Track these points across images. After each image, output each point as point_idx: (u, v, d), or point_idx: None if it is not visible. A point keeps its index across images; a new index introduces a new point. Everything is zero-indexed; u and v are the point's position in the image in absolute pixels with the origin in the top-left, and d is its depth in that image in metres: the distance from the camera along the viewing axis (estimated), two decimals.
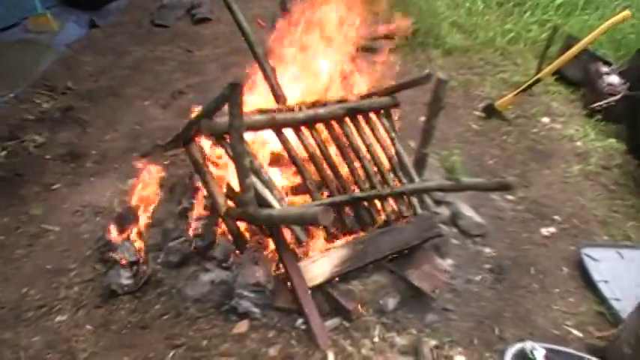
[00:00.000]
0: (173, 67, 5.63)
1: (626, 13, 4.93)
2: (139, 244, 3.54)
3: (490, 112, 5.27)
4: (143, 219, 3.68)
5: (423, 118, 4.92)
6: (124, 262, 3.42)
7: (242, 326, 3.08)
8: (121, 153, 4.60)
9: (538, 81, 5.17)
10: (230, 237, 3.32)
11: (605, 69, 5.57)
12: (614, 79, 5.44)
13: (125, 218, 3.70)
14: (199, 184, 3.45)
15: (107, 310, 3.26)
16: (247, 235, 3.32)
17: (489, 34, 6.36)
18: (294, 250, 3.12)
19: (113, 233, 3.59)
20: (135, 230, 3.61)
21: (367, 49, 5.96)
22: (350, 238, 3.25)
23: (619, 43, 6.39)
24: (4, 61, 5.71)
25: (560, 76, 5.87)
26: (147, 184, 3.88)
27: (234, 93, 2.64)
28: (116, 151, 4.63)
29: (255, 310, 3.10)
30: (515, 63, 6.15)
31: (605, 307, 3.48)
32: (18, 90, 5.28)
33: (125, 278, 3.38)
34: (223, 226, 3.34)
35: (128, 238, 3.57)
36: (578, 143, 5.08)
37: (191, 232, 3.44)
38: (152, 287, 3.36)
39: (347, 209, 3.31)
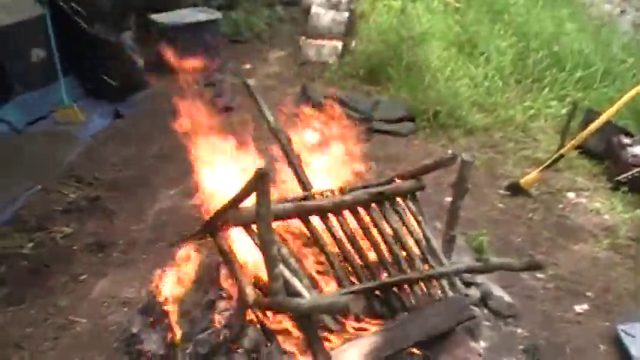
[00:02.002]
0: None
1: None
2: (165, 335, 3.54)
3: (515, 190, 5.28)
4: (170, 310, 3.69)
5: (448, 199, 4.99)
6: (148, 355, 3.41)
7: None
8: (147, 243, 4.64)
9: (561, 157, 5.20)
10: (259, 327, 3.32)
11: (627, 140, 5.59)
12: (638, 150, 5.46)
13: (151, 309, 3.71)
14: (227, 273, 3.46)
15: None
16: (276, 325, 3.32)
17: (509, 112, 6.44)
18: (324, 340, 3.10)
19: (139, 325, 3.60)
20: (162, 322, 3.62)
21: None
22: (379, 325, 3.23)
23: (639, 113, 6.42)
24: (32, 152, 5.84)
25: (582, 150, 5.89)
26: (174, 274, 3.92)
27: (261, 181, 2.69)
28: (143, 241, 4.67)
29: None
30: (536, 139, 6.20)
31: None
32: (45, 181, 5.37)
33: None
34: (252, 316, 3.35)
35: (155, 330, 3.58)
36: (606, 216, 5.06)
37: (218, 323, 3.44)
38: None
39: (377, 296, 3.30)
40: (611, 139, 5.66)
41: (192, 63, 7.63)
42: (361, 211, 3.42)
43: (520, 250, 4.58)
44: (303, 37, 8.12)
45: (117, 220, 4.98)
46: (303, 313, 3.00)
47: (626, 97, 5.07)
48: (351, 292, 3.07)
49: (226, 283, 3.56)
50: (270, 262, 2.89)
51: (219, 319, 3.44)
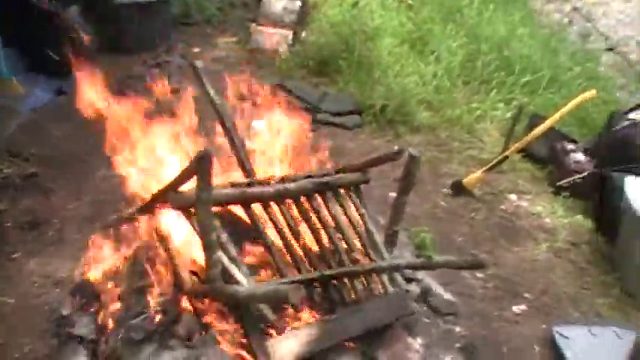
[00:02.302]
0: None
1: (592, 92, 5.05)
2: (97, 319, 3.40)
3: (458, 189, 5.29)
4: (103, 293, 3.55)
5: (392, 194, 4.95)
6: (78, 338, 3.28)
7: None
8: (84, 222, 4.46)
9: (505, 159, 5.23)
10: (194, 314, 3.22)
11: (570, 146, 5.67)
12: (580, 156, 5.53)
13: (84, 291, 3.57)
14: (163, 258, 3.34)
15: None
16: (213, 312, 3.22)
17: (456, 112, 6.44)
18: (261, 329, 3.01)
19: (69, 307, 3.45)
20: (94, 305, 3.48)
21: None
22: (319, 317, 3.16)
23: (583, 120, 6.53)
24: None
25: (526, 153, 5.95)
26: (109, 256, 3.78)
27: (203, 164, 2.58)
28: (79, 220, 4.49)
29: None
30: (481, 140, 6.22)
31: None
32: None
33: (82, 355, 3.23)
34: (188, 303, 3.24)
35: (86, 313, 3.44)
36: (547, 220, 5.10)
37: (153, 309, 3.32)
38: None
39: (316, 287, 3.22)
40: (554, 145, 5.73)
41: (140, 43, 7.47)
42: (304, 201, 3.35)
43: (462, 249, 4.58)
44: (254, 24, 7.98)
45: (53, 197, 4.78)
46: (240, 301, 2.92)
47: (570, 105, 5.14)
48: (290, 282, 2.99)
49: (163, 267, 3.46)
50: (209, 247, 2.79)
51: (153, 305, 3.33)
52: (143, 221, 3.45)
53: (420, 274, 3.91)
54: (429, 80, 6.67)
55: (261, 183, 3.26)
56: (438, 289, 3.88)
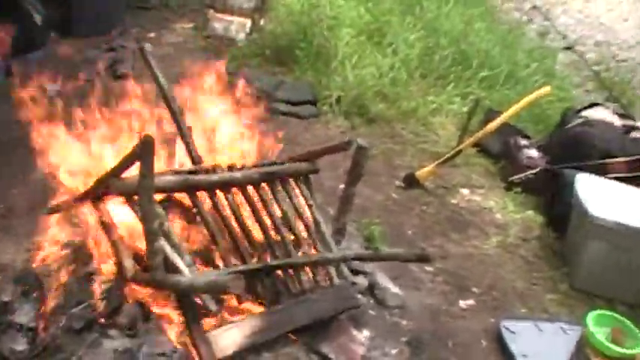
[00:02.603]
0: None
1: (547, 89, 5.07)
2: (39, 307, 3.31)
3: (410, 182, 5.26)
4: (45, 280, 3.45)
5: (343, 186, 4.93)
6: (18, 326, 3.18)
7: None
8: (28, 208, 4.30)
9: (459, 152, 5.21)
10: (137, 303, 3.15)
11: (524, 142, 5.68)
12: (534, 152, 5.54)
13: (26, 278, 3.47)
14: (107, 245, 3.26)
15: None
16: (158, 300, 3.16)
17: (412, 105, 6.41)
18: (203, 319, 2.96)
19: (10, 294, 3.35)
20: (36, 292, 3.38)
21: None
22: (263, 308, 3.12)
23: (538, 117, 6.54)
24: None
25: (481, 148, 5.96)
26: (52, 243, 3.68)
27: (146, 149, 2.52)
28: (23, 206, 4.34)
29: None
30: (436, 134, 6.20)
31: None
32: None
33: (21, 344, 3.13)
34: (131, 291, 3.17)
35: (28, 301, 3.34)
36: (498, 215, 5.11)
37: (95, 297, 3.24)
38: (50, 354, 3.10)
39: (260, 278, 3.18)
40: (508, 140, 5.74)
41: (94, 26, 7.31)
42: (251, 190, 3.30)
43: (412, 242, 4.55)
44: (212, 11, 7.86)
45: None
46: (180, 291, 2.86)
47: (524, 101, 5.13)
48: (232, 272, 2.93)
49: (106, 255, 3.37)
50: (150, 236, 2.73)
51: (96, 293, 3.25)
52: (88, 207, 3.36)
53: (368, 267, 3.89)
54: (386, 72, 6.62)
55: (206, 171, 3.20)
56: (385, 282, 3.85)
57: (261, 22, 7.58)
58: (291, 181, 3.46)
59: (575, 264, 4.48)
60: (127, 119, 3.77)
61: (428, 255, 3.26)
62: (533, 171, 5.36)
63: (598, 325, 3.73)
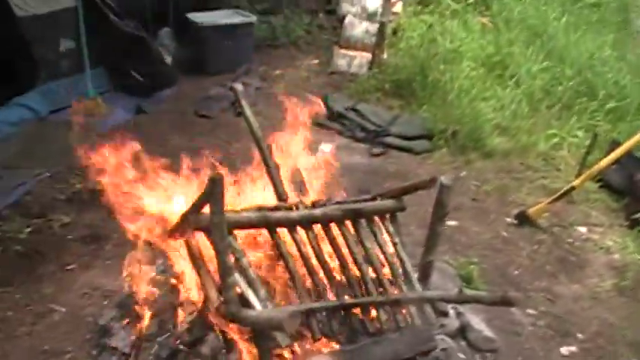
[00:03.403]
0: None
1: None
2: (135, 333, 3.50)
3: (522, 219, 5.07)
4: (142, 308, 3.64)
5: (450, 223, 4.84)
6: (113, 350, 3.38)
7: None
8: (142, 239, 4.59)
9: (573, 189, 4.96)
10: (219, 334, 3.25)
11: None
12: None
13: (125, 305, 3.68)
14: (195, 277, 3.39)
15: None
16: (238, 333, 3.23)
17: (532, 139, 6.22)
18: (277, 355, 3.01)
19: (108, 318, 3.57)
20: (132, 319, 3.58)
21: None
22: (338, 346, 3.11)
23: None
24: (49, 140, 5.88)
25: (603, 184, 5.66)
26: (151, 272, 3.89)
27: (214, 188, 2.61)
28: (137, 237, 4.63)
29: None
30: (557, 169, 5.97)
31: None
32: (55, 170, 5.40)
33: None
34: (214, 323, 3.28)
35: (125, 326, 3.54)
36: (616, 256, 4.82)
37: (181, 326, 3.38)
38: None
39: (338, 316, 3.17)
40: (633, 175, 5.40)
41: (222, 65, 7.68)
42: (334, 227, 3.31)
43: (516, 283, 4.39)
44: (336, 47, 8.04)
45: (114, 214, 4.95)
46: (248, 325, 2.92)
47: None
48: (304, 310, 2.97)
49: (194, 287, 3.51)
50: (224, 270, 2.80)
51: (182, 323, 3.39)
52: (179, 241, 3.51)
53: (462, 308, 3.79)
54: (507, 105, 6.48)
55: (288, 208, 3.26)
56: (478, 324, 3.72)
57: (383, 56, 7.64)
58: (377, 218, 3.43)
59: None
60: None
61: (512, 298, 3.10)
62: None
63: None
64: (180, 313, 3.47)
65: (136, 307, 3.61)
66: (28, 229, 4.59)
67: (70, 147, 5.77)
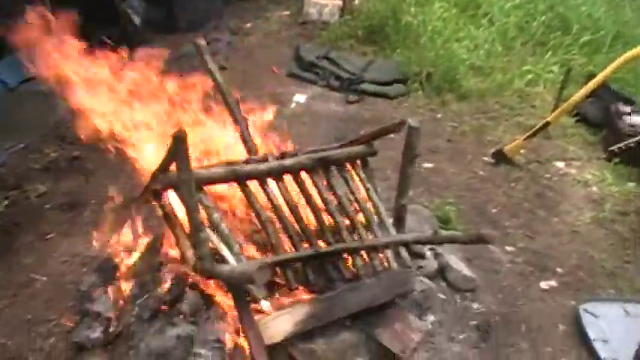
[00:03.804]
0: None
1: (639, 49, 4.63)
2: (115, 297, 3.48)
3: (499, 157, 5.05)
4: (122, 272, 3.62)
5: (427, 165, 4.82)
6: (95, 315, 3.36)
7: None
8: (119, 203, 4.54)
9: (547, 124, 4.92)
10: (199, 292, 3.24)
11: (626, 109, 5.31)
12: (636, 119, 5.17)
13: (106, 270, 3.66)
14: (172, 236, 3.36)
15: None
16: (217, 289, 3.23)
17: (507, 77, 6.17)
18: (254, 307, 3.00)
19: (89, 284, 3.55)
20: (113, 283, 3.56)
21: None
22: (315, 294, 3.10)
23: None
24: (19, 112, 5.78)
25: (580, 117, 5.63)
26: (129, 236, 3.86)
27: (179, 146, 2.56)
28: (114, 202, 4.57)
29: None
30: (533, 106, 5.93)
31: None
32: (28, 140, 5.32)
33: (97, 332, 3.31)
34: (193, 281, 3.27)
35: (105, 291, 3.53)
36: (594, 189, 4.82)
37: (161, 287, 3.36)
38: (124, 341, 3.26)
39: (313, 265, 3.16)
40: (609, 107, 5.37)
41: (192, 22, 7.53)
42: (306, 177, 3.28)
43: (495, 222, 4.39)
44: None
45: (93, 179, 4.89)
46: (224, 280, 2.91)
47: (617, 62, 4.71)
48: (278, 261, 2.96)
49: (172, 246, 3.49)
50: (195, 227, 2.77)
51: (162, 283, 3.38)
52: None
53: (440, 249, 3.79)
54: (481, 44, 6.40)
55: (258, 160, 3.21)
56: (456, 264, 3.73)
57: (354, 2, 7.52)
58: (348, 165, 3.40)
59: None
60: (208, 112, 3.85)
61: (487, 236, 3.09)
62: (635, 139, 4.98)
63: None
64: (160, 273, 3.47)
65: (116, 271, 3.61)
66: (5, 202, 4.54)
67: (43, 117, 5.73)
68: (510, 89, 6.14)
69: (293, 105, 5.80)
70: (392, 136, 3.48)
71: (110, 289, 3.52)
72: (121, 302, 3.44)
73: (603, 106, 5.47)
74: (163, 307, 3.30)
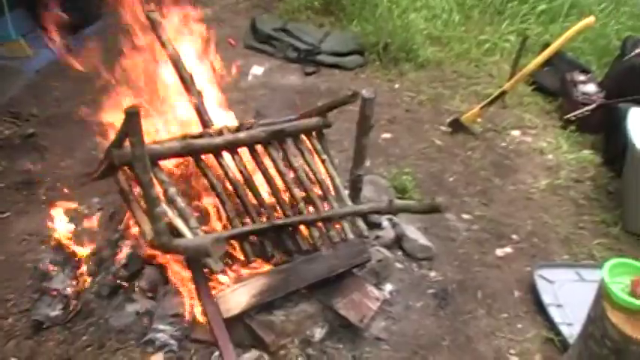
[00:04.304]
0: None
1: (591, 19, 4.69)
2: (74, 275, 3.47)
3: (456, 126, 5.08)
4: (79, 249, 3.60)
5: (385, 135, 4.84)
6: (54, 293, 3.35)
7: (157, 359, 2.98)
8: (74, 180, 4.49)
9: (504, 93, 4.97)
10: (156, 267, 3.25)
11: (582, 77, 5.36)
12: (591, 87, 5.22)
13: (63, 247, 3.63)
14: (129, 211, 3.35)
15: (36, 342, 3.19)
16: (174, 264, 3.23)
17: (464, 46, 6.20)
18: (211, 280, 3.02)
19: (47, 262, 3.52)
20: (71, 260, 3.54)
21: None
22: (272, 266, 3.13)
23: (604, 50, 6.15)
24: None
25: (537, 86, 5.70)
26: (88, 212, 3.84)
27: (132, 121, 2.54)
28: (70, 178, 4.52)
29: (172, 342, 3.01)
30: (490, 75, 5.97)
31: (554, 333, 3.31)
32: None
33: (56, 309, 3.30)
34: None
35: (64, 269, 3.51)
36: (549, 156, 4.88)
37: (119, 263, 3.35)
38: (83, 318, 3.28)
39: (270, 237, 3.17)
40: (564, 76, 5.43)
41: None
42: (260, 150, 3.28)
43: (452, 190, 4.43)
44: None
45: (48, 156, 4.82)
46: (181, 254, 2.91)
47: (569, 32, 4.75)
48: (235, 234, 2.97)
49: (131, 221, 3.47)
50: (151, 201, 2.76)
51: (120, 259, 3.37)
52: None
53: (397, 219, 3.83)
54: (439, 14, 6.41)
55: (213, 134, 3.20)
56: (413, 233, 3.77)
57: None
58: (303, 137, 3.40)
59: (628, 204, 4.23)
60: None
61: (439, 205, 3.13)
62: (589, 107, 5.05)
63: (617, 275, 3.37)
64: (117, 250, 3.46)
65: (73, 249, 3.59)
66: None
67: None
68: (467, 58, 6.17)
69: (250, 77, 5.76)
70: (350, 107, 3.50)
71: (68, 267, 3.51)
72: (80, 279, 3.44)
73: (559, 75, 5.52)
74: (122, 284, 3.31)
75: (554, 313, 3.41)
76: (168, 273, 3.26)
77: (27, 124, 5.19)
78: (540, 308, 3.48)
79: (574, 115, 5.11)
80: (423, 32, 6.20)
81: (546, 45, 5.48)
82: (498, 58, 6.18)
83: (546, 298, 3.49)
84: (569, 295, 3.51)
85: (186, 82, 3.48)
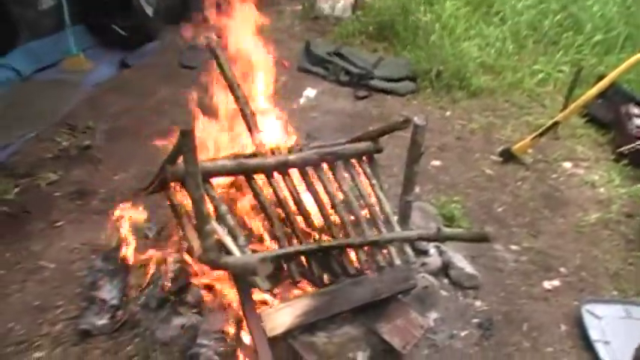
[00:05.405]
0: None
1: None
2: (122, 285, 3.53)
3: (507, 156, 5.06)
4: (130, 260, 3.67)
5: (435, 163, 4.84)
6: (102, 302, 3.42)
7: None
8: (128, 193, 4.59)
9: (556, 124, 4.94)
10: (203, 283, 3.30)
11: (636, 110, 5.29)
12: None
13: (113, 258, 3.71)
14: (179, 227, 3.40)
15: (82, 350, 3.26)
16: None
17: (518, 76, 6.18)
18: (258, 299, 3.04)
19: (97, 272, 3.60)
20: (121, 271, 3.61)
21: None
22: (317, 288, 3.14)
23: None
24: (34, 100, 5.84)
25: (590, 118, 5.63)
26: (139, 224, 3.91)
27: (186, 140, 2.60)
28: (124, 191, 4.63)
29: (215, 357, 3.03)
30: (542, 105, 5.93)
31: None
32: (40, 129, 5.37)
33: (103, 319, 3.36)
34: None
35: (113, 279, 3.58)
36: (601, 190, 4.82)
37: (167, 277, 3.41)
38: (129, 328, 3.34)
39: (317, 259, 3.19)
40: (619, 108, 5.36)
41: (204, 14, 7.54)
42: (310, 172, 3.31)
43: (501, 220, 4.40)
44: None
45: (102, 168, 4.94)
46: (228, 271, 2.95)
47: (627, 63, 4.72)
48: (282, 254, 2.99)
49: (180, 236, 3.53)
50: (201, 218, 2.81)
51: (168, 273, 3.42)
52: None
53: (444, 247, 3.81)
54: (492, 43, 6.40)
55: (265, 154, 3.24)
56: (460, 261, 3.75)
57: None
58: (354, 161, 3.43)
59: None
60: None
61: (487, 234, 3.13)
62: None
63: None
64: (166, 263, 3.51)
65: (124, 260, 3.65)
66: (16, 190, 4.58)
67: (56, 105, 5.79)
68: (520, 88, 6.14)
69: (302, 100, 5.83)
70: (401, 133, 3.52)
71: (117, 278, 3.58)
72: (128, 290, 3.50)
73: (613, 107, 5.46)
74: (169, 297, 3.36)
75: (601, 350, 3.35)
76: (214, 289, 3.30)
77: (83, 136, 5.34)
78: (587, 344, 3.42)
79: (627, 149, 5.04)
80: (476, 60, 6.20)
81: (601, 77, 5.43)
82: (552, 88, 6.14)
83: (593, 334, 3.42)
84: (616, 332, 3.44)
85: (241, 101, 3.53)
